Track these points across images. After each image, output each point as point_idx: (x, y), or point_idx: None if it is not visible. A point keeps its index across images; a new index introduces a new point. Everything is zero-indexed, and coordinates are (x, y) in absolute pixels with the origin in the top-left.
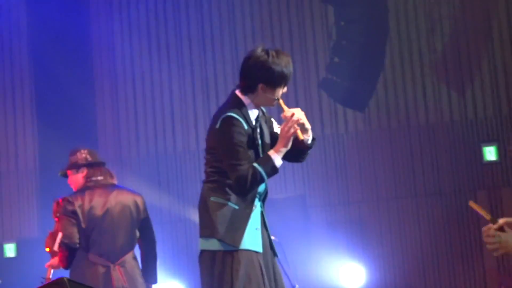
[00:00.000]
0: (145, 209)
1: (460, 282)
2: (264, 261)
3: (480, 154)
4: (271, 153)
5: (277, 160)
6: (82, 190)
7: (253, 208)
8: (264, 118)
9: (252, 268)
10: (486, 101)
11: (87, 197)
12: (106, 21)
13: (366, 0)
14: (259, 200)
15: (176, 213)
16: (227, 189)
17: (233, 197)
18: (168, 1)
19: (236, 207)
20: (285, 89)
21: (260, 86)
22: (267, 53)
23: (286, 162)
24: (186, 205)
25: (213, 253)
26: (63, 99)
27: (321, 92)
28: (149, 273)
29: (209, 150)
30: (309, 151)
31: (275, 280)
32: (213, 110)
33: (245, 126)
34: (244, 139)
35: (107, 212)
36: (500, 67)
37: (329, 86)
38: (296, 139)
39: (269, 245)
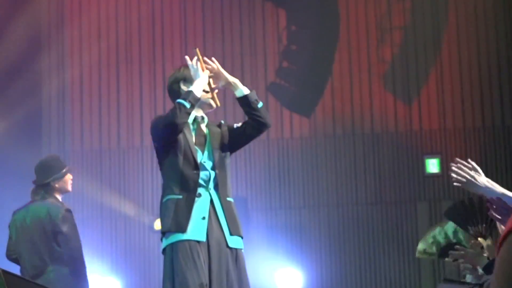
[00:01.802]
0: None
1: None
2: (215, 251)
3: (423, 166)
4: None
5: (193, 87)
6: None
7: (197, 196)
8: (215, 124)
9: (191, 257)
10: (432, 113)
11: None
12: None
13: (318, 6)
14: (206, 189)
15: (117, 209)
16: (171, 184)
17: (176, 189)
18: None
19: (180, 196)
20: (207, 80)
21: (181, 85)
22: (175, 68)
23: (233, 166)
24: (127, 202)
25: (164, 250)
26: (9, 88)
27: (268, 96)
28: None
29: (157, 155)
30: (260, 106)
31: (228, 271)
32: (160, 107)
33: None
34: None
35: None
36: (447, 80)
37: (277, 90)
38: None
39: (223, 236)
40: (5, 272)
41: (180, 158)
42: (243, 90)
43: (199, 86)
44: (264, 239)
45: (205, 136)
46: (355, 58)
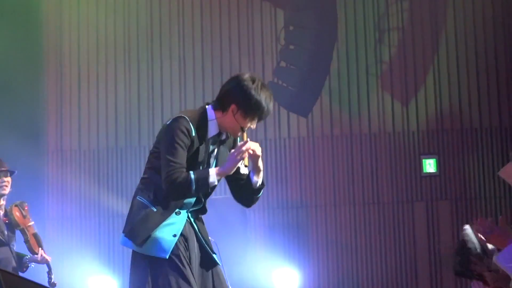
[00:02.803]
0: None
1: None
2: (202, 273)
3: (420, 166)
4: (211, 169)
5: (213, 176)
6: None
7: (176, 214)
8: (229, 145)
9: (169, 272)
10: (429, 114)
11: None
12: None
13: (316, 7)
14: (187, 211)
15: (114, 208)
16: (153, 189)
17: (155, 199)
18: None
19: (154, 209)
20: (254, 125)
21: (232, 106)
22: (253, 80)
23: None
24: (125, 201)
25: (132, 251)
26: (8, 88)
27: None
28: None
29: (154, 146)
30: (257, 196)
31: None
32: (157, 107)
33: (193, 133)
34: (187, 141)
35: None
36: (444, 81)
37: (275, 90)
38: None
39: (208, 256)
40: (2, 272)
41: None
42: (258, 182)
43: (220, 177)
44: (262, 239)
45: (215, 157)
46: (353, 58)
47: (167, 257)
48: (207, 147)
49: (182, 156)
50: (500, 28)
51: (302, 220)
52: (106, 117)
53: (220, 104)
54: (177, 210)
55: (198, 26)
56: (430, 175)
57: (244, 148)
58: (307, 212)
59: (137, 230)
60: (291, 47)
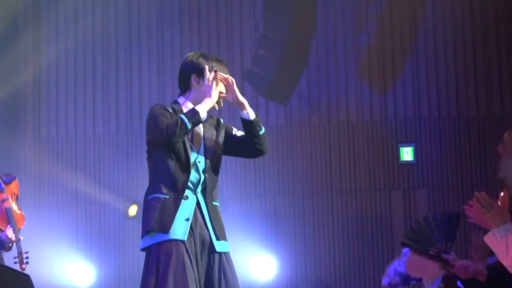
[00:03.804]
0: None
1: (369, 278)
2: (199, 251)
3: (397, 154)
4: (197, 106)
5: (199, 108)
6: None
7: (184, 198)
8: (213, 123)
9: (177, 255)
10: (407, 102)
11: None
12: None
13: None
14: (193, 192)
15: (92, 196)
16: (159, 183)
17: (164, 188)
18: None
19: (167, 196)
20: (222, 86)
21: (193, 78)
22: (196, 52)
23: None
24: (102, 188)
25: (147, 249)
26: None
27: (244, 84)
28: None
29: (147, 148)
30: (261, 133)
31: (225, 277)
32: (135, 95)
33: (170, 110)
34: (164, 112)
35: None
36: (422, 69)
37: (253, 78)
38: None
39: (209, 242)
40: None
41: (173, 158)
42: (249, 113)
43: (207, 107)
44: (239, 227)
45: (201, 136)
46: (331, 47)
47: (185, 239)
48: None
49: (166, 117)
50: (477, 16)
51: (280, 208)
52: (84, 105)
53: (184, 86)
54: (185, 194)
55: (177, 13)
56: (407, 163)
57: (209, 73)
58: (285, 200)
59: (161, 220)
60: (270, 35)
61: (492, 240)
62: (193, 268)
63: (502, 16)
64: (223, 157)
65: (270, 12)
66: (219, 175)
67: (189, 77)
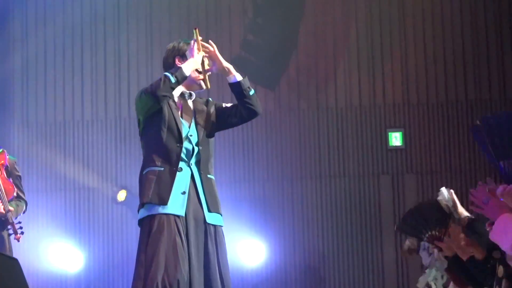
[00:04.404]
0: None
1: (358, 262)
2: (193, 226)
3: (386, 140)
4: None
5: (183, 66)
6: None
7: (179, 170)
8: (203, 101)
9: (169, 230)
10: (395, 87)
11: None
12: None
13: None
14: (187, 164)
15: (80, 181)
16: (152, 155)
17: (158, 160)
18: None
19: (162, 168)
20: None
21: (176, 60)
22: (177, 40)
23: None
24: (91, 173)
25: (141, 220)
26: None
27: None
28: None
29: (139, 130)
30: (251, 93)
31: (205, 246)
32: (124, 80)
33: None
34: None
35: None
36: (411, 55)
37: (242, 63)
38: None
39: (202, 212)
40: None
41: (164, 130)
42: (236, 76)
43: (190, 65)
44: (228, 211)
45: (191, 111)
46: (320, 32)
47: (183, 215)
48: (177, 106)
49: None
50: (466, 2)
51: (269, 193)
52: (72, 90)
53: (168, 69)
54: (179, 166)
55: (166, 1)
56: (396, 148)
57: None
58: (274, 185)
59: (159, 192)
60: (259, 20)
61: (493, 233)
62: (183, 246)
63: (489, 3)
64: (214, 144)
65: None
66: (214, 151)
67: (173, 60)
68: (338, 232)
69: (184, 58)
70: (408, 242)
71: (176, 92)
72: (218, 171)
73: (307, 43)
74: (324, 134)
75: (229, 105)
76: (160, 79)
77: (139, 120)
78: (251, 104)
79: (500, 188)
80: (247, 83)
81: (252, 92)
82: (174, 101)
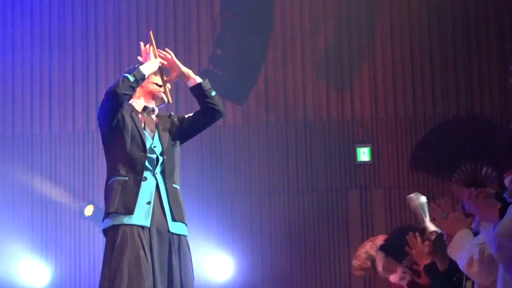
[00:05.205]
0: None
1: (326, 276)
2: (156, 236)
3: (354, 154)
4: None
5: (141, 67)
6: None
7: (143, 179)
8: (166, 115)
9: (132, 243)
10: (364, 102)
11: None
12: None
13: None
14: (152, 173)
15: (47, 195)
16: (117, 165)
17: (122, 170)
18: None
19: (126, 178)
20: (159, 79)
21: (139, 59)
22: None
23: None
24: (58, 188)
25: (105, 230)
26: None
27: None
28: None
29: (102, 140)
30: (213, 94)
31: (169, 257)
32: (92, 94)
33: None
34: None
35: None
36: (379, 70)
37: (210, 77)
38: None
39: (165, 221)
40: None
41: (128, 140)
42: (196, 78)
43: (148, 66)
44: (196, 226)
45: (154, 124)
46: (289, 46)
47: (149, 224)
48: (137, 116)
49: None
50: (434, 17)
51: (237, 208)
52: (40, 104)
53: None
54: (144, 176)
55: (134, 12)
56: (364, 163)
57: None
58: (242, 199)
59: (124, 201)
60: (227, 34)
61: (451, 250)
62: (147, 258)
63: (458, 17)
64: (180, 155)
65: (227, 12)
66: (179, 161)
67: (135, 62)
68: (306, 247)
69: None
70: (358, 262)
71: (139, 107)
72: (186, 186)
73: (276, 57)
74: (293, 148)
75: (191, 114)
76: (119, 79)
77: (103, 131)
78: (214, 104)
79: (466, 193)
80: (207, 85)
81: (213, 93)
82: (137, 114)
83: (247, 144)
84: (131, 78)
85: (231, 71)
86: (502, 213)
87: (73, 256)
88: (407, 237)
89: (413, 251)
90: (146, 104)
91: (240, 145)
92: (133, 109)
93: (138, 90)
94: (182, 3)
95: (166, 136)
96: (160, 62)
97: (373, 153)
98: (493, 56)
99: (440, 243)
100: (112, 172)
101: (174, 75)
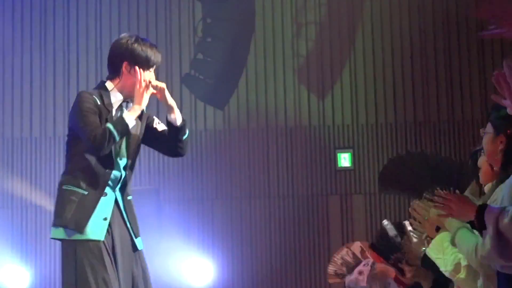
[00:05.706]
0: None
1: (306, 281)
2: (119, 251)
3: (335, 160)
4: (125, 113)
5: (127, 117)
6: None
7: (103, 195)
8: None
9: (94, 257)
10: (345, 108)
11: None
12: None
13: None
14: (113, 189)
15: (28, 199)
16: (78, 175)
17: (83, 183)
18: None
19: (85, 192)
20: (153, 77)
21: (124, 65)
22: (130, 36)
23: (142, 155)
24: (39, 192)
25: (62, 241)
26: None
27: (182, 88)
28: None
29: (67, 134)
30: (185, 137)
31: (144, 274)
32: (73, 96)
33: (98, 102)
34: (94, 107)
35: None
36: (360, 76)
37: (191, 82)
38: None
39: (130, 240)
40: None
41: (95, 153)
42: (177, 119)
43: (135, 115)
44: (177, 231)
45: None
46: (270, 52)
47: (103, 239)
48: (116, 115)
49: (94, 118)
50: (416, 23)
51: (217, 213)
52: (20, 107)
53: (113, 71)
54: (105, 191)
55: (116, 16)
56: (345, 169)
57: (141, 78)
58: (222, 204)
59: (77, 217)
60: (209, 39)
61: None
62: (113, 268)
63: (438, 23)
64: (159, 161)
65: (209, 17)
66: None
67: (120, 63)
68: (286, 252)
69: (132, 66)
70: (333, 268)
71: (115, 103)
72: (167, 190)
73: (257, 62)
74: (273, 153)
75: (160, 127)
76: (105, 134)
77: (69, 137)
78: (180, 148)
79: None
80: (184, 128)
81: (186, 136)
82: (112, 117)
83: (228, 149)
84: (117, 138)
85: (212, 76)
86: (478, 214)
87: (53, 260)
88: (413, 206)
89: (406, 244)
90: (122, 102)
91: (221, 150)
92: (109, 101)
93: (122, 81)
94: (163, 8)
95: (134, 146)
96: (151, 93)
97: (354, 159)
98: (473, 62)
99: (425, 264)
100: (71, 178)
101: (159, 97)
